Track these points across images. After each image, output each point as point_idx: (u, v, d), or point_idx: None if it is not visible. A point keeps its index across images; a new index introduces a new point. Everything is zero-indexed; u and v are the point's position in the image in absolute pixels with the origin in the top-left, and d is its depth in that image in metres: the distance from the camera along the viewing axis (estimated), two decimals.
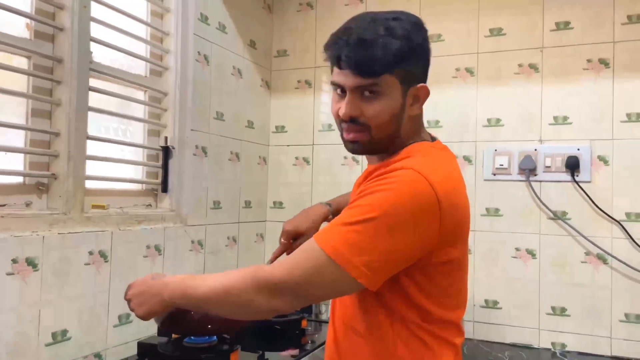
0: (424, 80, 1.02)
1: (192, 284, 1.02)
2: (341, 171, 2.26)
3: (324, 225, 1.30)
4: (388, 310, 0.98)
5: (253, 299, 0.92)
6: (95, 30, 1.56)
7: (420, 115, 1.05)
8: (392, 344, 0.98)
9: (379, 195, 0.89)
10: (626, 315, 1.84)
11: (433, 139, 1.08)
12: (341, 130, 1.02)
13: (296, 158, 2.37)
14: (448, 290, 0.99)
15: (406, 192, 0.89)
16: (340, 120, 1.00)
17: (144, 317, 1.09)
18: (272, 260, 1.37)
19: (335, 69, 0.99)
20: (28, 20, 1.42)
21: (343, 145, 1.05)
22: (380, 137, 0.99)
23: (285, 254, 1.39)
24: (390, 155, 1.01)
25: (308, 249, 0.91)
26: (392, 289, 0.95)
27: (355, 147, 1.01)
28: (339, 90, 1.00)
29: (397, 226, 0.87)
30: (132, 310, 1.11)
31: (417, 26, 0.99)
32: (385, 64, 0.93)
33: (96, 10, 1.56)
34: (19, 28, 1.41)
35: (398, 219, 0.87)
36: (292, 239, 1.41)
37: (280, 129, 2.41)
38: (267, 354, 1.63)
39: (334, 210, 1.44)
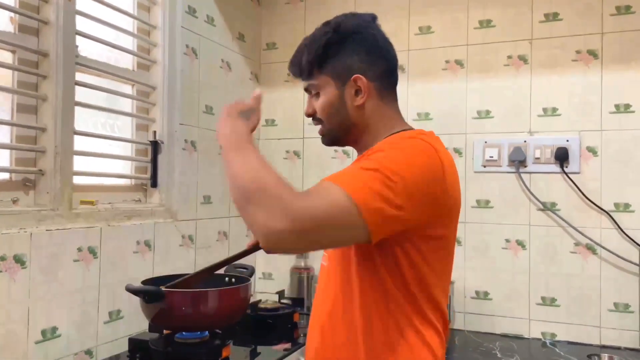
0: (372, 71, 1.06)
1: (242, 151, 0.96)
2: (332, 164, 2.26)
3: None
4: (376, 294, 0.98)
5: (265, 204, 0.84)
6: (81, 23, 1.53)
7: (389, 106, 1.09)
8: (381, 331, 0.98)
9: (395, 152, 0.93)
10: (615, 304, 1.86)
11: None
12: None
13: (287, 152, 2.36)
14: (435, 267, 1.01)
15: (420, 155, 0.94)
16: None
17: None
18: (247, 249, 1.38)
19: None
20: (12, 14, 1.40)
21: None
22: (332, 127, 1.09)
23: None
24: (372, 143, 1.06)
25: (327, 187, 0.87)
26: (385, 263, 0.97)
27: (322, 140, 1.14)
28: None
29: (411, 184, 0.90)
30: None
31: (346, 23, 1.07)
32: (310, 66, 1.07)
33: (81, 3, 1.53)
34: (3, 22, 1.38)
35: (412, 178, 0.90)
36: None
37: (270, 123, 2.40)
38: (259, 348, 1.63)
39: None
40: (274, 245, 0.84)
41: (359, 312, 1.00)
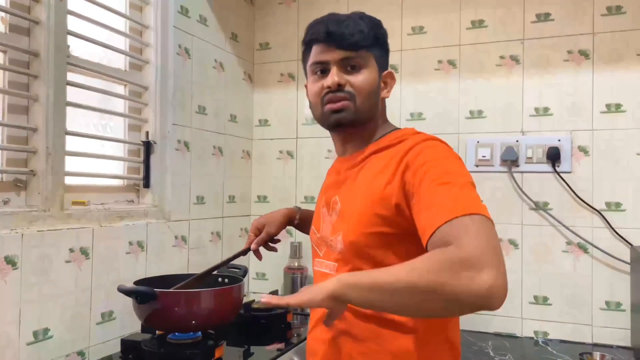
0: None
1: (371, 274, 0.85)
2: (325, 164, 2.26)
3: (284, 220, 1.40)
4: None
5: (452, 284, 0.77)
6: (73, 23, 1.53)
7: (385, 106, 1.17)
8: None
9: (436, 161, 0.96)
10: (607, 303, 1.87)
11: None
12: (322, 106, 1.09)
13: (280, 152, 2.36)
14: None
15: (446, 149, 1.02)
16: (323, 95, 1.08)
17: (299, 303, 0.90)
18: (245, 248, 1.40)
19: (316, 49, 1.10)
20: (3, 14, 1.39)
21: (323, 122, 1.13)
22: (364, 107, 1.08)
23: (253, 244, 1.38)
24: (368, 140, 1.12)
25: (460, 224, 0.83)
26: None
27: (340, 115, 1.07)
28: (319, 72, 1.10)
29: (465, 173, 0.97)
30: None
31: (381, 23, 1.14)
32: (366, 39, 1.07)
33: (73, 2, 1.53)
34: None
35: (461, 167, 0.98)
36: (257, 232, 1.41)
37: (263, 123, 2.40)
38: (253, 349, 1.62)
39: (301, 215, 1.44)
40: (501, 300, 0.79)
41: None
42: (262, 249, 1.42)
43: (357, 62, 1.07)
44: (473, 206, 0.86)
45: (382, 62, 1.13)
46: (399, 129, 1.15)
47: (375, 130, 1.13)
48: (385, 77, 1.14)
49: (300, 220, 1.43)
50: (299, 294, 0.88)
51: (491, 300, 0.77)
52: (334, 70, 1.07)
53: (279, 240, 1.46)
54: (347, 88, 1.07)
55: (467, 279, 0.76)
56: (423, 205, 0.90)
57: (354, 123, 1.09)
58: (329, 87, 1.06)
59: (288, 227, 1.45)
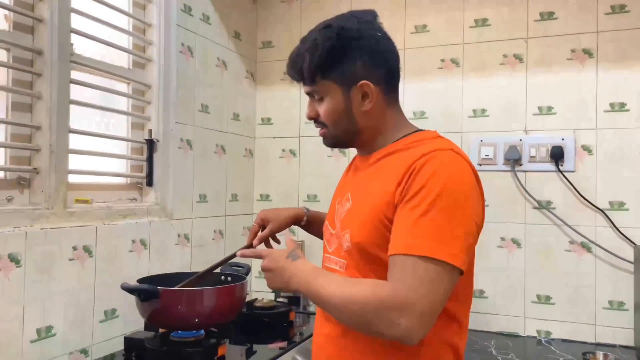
0: (377, 75, 1.06)
1: (318, 283, 1.00)
2: (328, 163, 2.26)
3: (290, 218, 1.40)
4: None
5: (374, 320, 0.90)
6: (76, 21, 1.53)
7: (393, 107, 1.10)
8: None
9: (435, 183, 0.93)
10: (610, 302, 1.87)
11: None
12: None
13: (283, 150, 2.36)
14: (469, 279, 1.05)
15: (456, 170, 0.96)
16: None
17: (274, 288, 1.11)
18: (247, 244, 1.38)
19: None
20: (6, 12, 1.39)
21: None
22: (338, 133, 1.09)
23: (255, 239, 1.38)
24: (382, 144, 1.09)
25: (405, 263, 0.90)
26: None
27: (324, 142, 1.14)
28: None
29: (464, 203, 0.94)
30: (266, 279, 1.11)
31: (348, 27, 1.04)
32: (313, 73, 1.05)
33: (76, 0, 1.53)
34: None
35: (463, 196, 0.94)
36: (261, 226, 1.40)
37: (266, 121, 2.40)
38: (255, 347, 1.63)
39: (309, 216, 1.42)
40: (415, 341, 0.90)
41: None
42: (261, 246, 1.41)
43: (317, 93, 1.08)
44: (434, 249, 0.89)
45: (348, 79, 1.04)
46: (421, 130, 1.10)
47: (383, 135, 1.09)
48: (360, 89, 1.04)
49: (308, 222, 1.42)
50: (269, 264, 1.09)
51: (405, 340, 0.89)
52: (308, 102, 1.12)
53: (279, 242, 1.44)
54: (320, 119, 1.10)
55: (388, 322, 0.88)
56: (397, 225, 0.95)
57: (340, 145, 1.14)
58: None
59: (291, 226, 1.45)
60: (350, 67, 1.04)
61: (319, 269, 1.04)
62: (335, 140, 1.12)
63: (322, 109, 1.08)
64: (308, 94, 1.11)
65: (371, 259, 1.01)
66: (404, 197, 0.95)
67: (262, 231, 1.39)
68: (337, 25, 1.04)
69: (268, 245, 1.41)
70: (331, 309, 0.98)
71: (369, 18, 1.08)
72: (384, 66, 1.06)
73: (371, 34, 1.06)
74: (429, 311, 0.88)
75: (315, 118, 1.11)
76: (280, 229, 1.40)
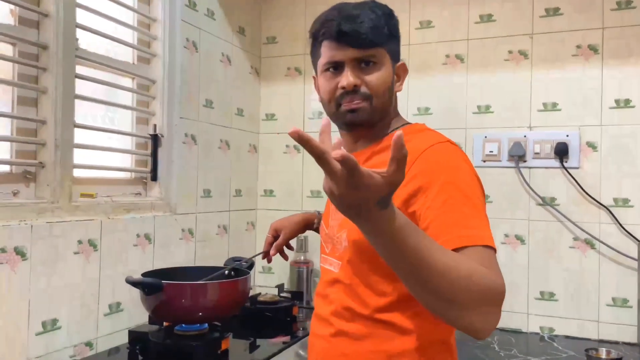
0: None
1: (426, 241, 0.77)
2: None
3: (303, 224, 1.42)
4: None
5: (483, 308, 0.81)
6: (81, 16, 1.53)
7: (396, 99, 1.13)
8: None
9: (453, 175, 0.94)
10: (613, 299, 1.87)
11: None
12: (337, 106, 1.06)
13: (287, 146, 2.36)
14: None
15: (467, 161, 0.98)
16: (339, 95, 1.04)
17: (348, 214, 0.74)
18: (264, 254, 1.40)
19: (328, 46, 1.04)
20: (12, 6, 1.40)
21: (337, 120, 1.08)
22: (379, 107, 1.05)
23: (270, 249, 1.42)
24: (378, 136, 1.08)
25: (485, 254, 0.86)
26: None
27: (356, 115, 1.04)
28: (331, 70, 1.05)
29: (482, 192, 0.97)
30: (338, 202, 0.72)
31: (392, 12, 1.10)
32: (381, 36, 1.03)
33: None
34: (3, 14, 1.38)
35: (479, 186, 0.97)
36: (275, 236, 1.44)
37: (270, 117, 2.40)
38: (258, 341, 1.64)
39: (319, 219, 1.41)
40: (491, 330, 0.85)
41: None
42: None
43: (372, 60, 1.03)
44: (489, 238, 0.89)
45: (395, 55, 1.08)
46: (409, 124, 1.12)
47: (387, 126, 1.10)
48: (398, 69, 1.09)
49: (319, 225, 1.43)
50: (339, 192, 0.68)
51: (479, 337, 0.84)
52: (348, 70, 1.02)
53: (292, 248, 1.50)
54: (363, 89, 1.03)
55: (485, 314, 0.81)
56: (438, 218, 0.88)
57: (369, 123, 1.06)
58: (343, 87, 1.02)
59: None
60: (397, 45, 1.09)
61: (408, 233, 0.75)
62: (373, 113, 1.04)
63: (374, 77, 1.03)
64: (358, 59, 1.02)
65: (367, 259, 0.99)
66: (423, 190, 0.92)
67: (276, 241, 1.42)
68: (385, 5, 1.08)
69: (283, 254, 1.45)
70: (446, 280, 0.77)
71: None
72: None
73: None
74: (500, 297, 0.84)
75: (358, 86, 1.02)
76: (293, 235, 1.43)
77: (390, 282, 0.98)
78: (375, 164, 1.01)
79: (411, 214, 0.93)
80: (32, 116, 1.44)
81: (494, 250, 0.88)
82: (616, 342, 1.83)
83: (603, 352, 1.70)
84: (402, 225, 0.73)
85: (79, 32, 1.53)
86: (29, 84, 1.44)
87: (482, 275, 0.80)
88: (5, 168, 1.40)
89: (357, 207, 0.69)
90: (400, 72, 1.10)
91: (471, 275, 0.78)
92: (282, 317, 1.88)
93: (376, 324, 1.00)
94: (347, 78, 1.02)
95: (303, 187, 2.32)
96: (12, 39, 1.39)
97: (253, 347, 1.62)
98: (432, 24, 2.13)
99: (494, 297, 0.81)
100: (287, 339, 1.70)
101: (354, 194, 0.67)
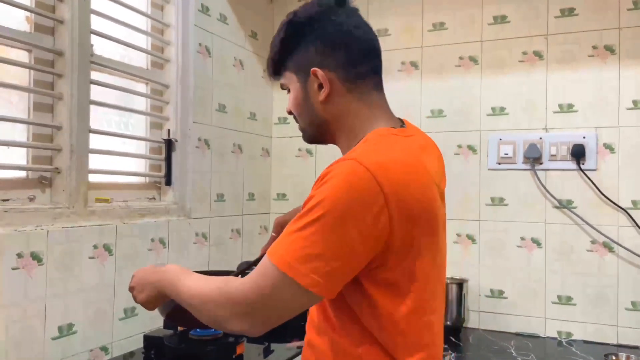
0: (333, 61, 0.96)
1: (182, 280, 0.99)
2: None
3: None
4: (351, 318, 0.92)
5: (219, 314, 0.90)
6: (96, 22, 1.54)
7: (361, 98, 0.97)
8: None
9: (319, 193, 0.85)
10: (632, 303, 1.84)
11: (401, 125, 1.01)
12: None
13: (299, 149, 2.36)
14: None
15: (344, 184, 0.83)
16: None
17: (144, 305, 1.09)
18: (261, 254, 1.37)
19: None
20: (28, 13, 1.41)
21: None
22: (304, 125, 1.04)
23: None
24: (348, 150, 0.95)
25: (263, 267, 0.85)
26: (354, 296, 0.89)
27: (302, 137, 1.08)
28: None
29: (341, 223, 0.81)
30: (134, 298, 1.11)
31: (300, 13, 0.99)
32: (275, 66, 1.02)
33: (96, 2, 1.54)
34: (19, 21, 1.40)
35: (340, 215, 0.81)
36: (280, 229, 1.39)
37: (282, 120, 2.40)
38: (273, 346, 1.63)
39: None
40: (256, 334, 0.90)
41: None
42: None
43: (284, 85, 1.04)
44: (277, 253, 0.84)
45: (302, 68, 0.98)
46: (372, 130, 0.95)
47: (351, 131, 0.98)
48: (312, 79, 0.96)
49: None
50: (134, 282, 1.14)
51: (246, 334, 0.93)
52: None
53: None
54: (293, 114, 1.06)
55: (227, 318, 0.89)
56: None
57: (315, 140, 1.06)
58: None
59: None
60: (304, 55, 0.97)
61: (187, 270, 1.03)
62: (306, 133, 1.04)
63: (289, 101, 1.03)
64: (282, 87, 1.07)
65: None
66: None
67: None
68: (292, 12, 0.99)
69: None
70: (189, 306, 0.97)
71: (330, 2, 0.98)
72: (342, 51, 0.95)
73: (327, 18, 0.96)
74: (252, 309, 0.87)
75: (290, 112, 1.05)
76: None
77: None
78: None
79: None
80: (47, 122, 1.46)
81: (277, 267, 0.82)
82: (636, 347, 1.80)
83: (623, 357, 1.67)
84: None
85: (94, 38, 1.54)
86: (45, 90, 1.45)
87: (205, 289, 0.94)
88: (22, 174, 1.41)
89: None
90: (319, 78, 0.96)
91: (199, 293, 0.95)
92: (297, 322, 1.86)
93: (334, 337, 0.97)
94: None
95: None
96: (28, 46, 1.40)
97: (267, 352, 1.61)
98: (446, 26, 2.12)
99: (214, 300, 0.91)
100: (301, 343, 1.69)
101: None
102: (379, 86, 1.00)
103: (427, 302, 0.91)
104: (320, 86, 0.96)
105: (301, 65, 0.98)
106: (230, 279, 0.93)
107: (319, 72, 0.95)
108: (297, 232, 0.84)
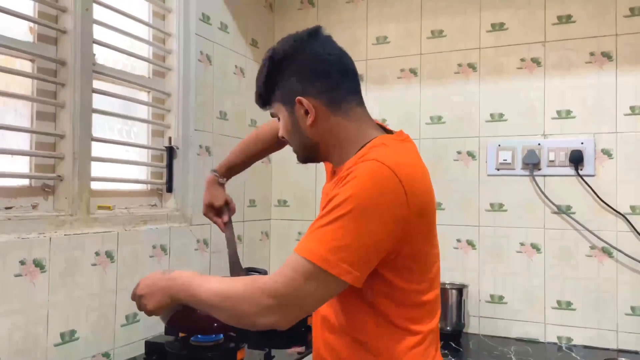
0: (315, 89, 1.05)
1: (197, 282, 1.02)
2: None
3: (216, 187, 1.50)
4: (370, 308, 1.01)
5: (249, 310, 0.94)
6: (98, 32, 1.57)
7: (347, 116, 1.06)
8: (374, 341, 1.01)
9: (344, 191, 0.93)
10: (632, 308, 1.84)
11: (390, 132, 1.11)
12: None
13: None
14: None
15: (369, 180, 0.93)
16: None
17: (153, 311, 1.10)
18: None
19: None
20: (31, 24, 1.43)
21: None
22: (297, 149, 1.13)
23: (225, 235, 1.54)
24: (345, 160, 1.06)
25: (292, 262, 0.93)
26: (372, 285, 0.98)
27: (297, 158, 1.16)
28: None
29: (367, 216, 0.91)
30: (142, 306, 1.11)
31: (278, 50, 1.08)
32: (261, 97, 1.12)
33: (98, 12, 1.57)
34: (22, 31, 1.42)
35: (366, 208, 0.91)
36: (215, 215, 1.54)
37: None
38: (274, 352, 1.64)
39: (221, 174, 1.53)
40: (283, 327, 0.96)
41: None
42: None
43: (274, 115, 1.13)
44: (307, 247, 0.92)
45: (287, 98, 1.07)
46: (375, 138, 1.05)
47: (344, 149, 1.07)
48: (300, 106, 1.05)
49: (227, 174, 1.54)
50: (143, 288, 1.12)
51: (274, 327, 0.96)
52: None
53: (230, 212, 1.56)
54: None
55: (259, 313, 0.94)
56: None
57: (308, 160, 1.15)
58: None
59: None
60: (287, 86, 1.07)
61: (195, 273, 1.06)
62: (299, 156, 1.14)
63: (281, 129, 1.13)
64: (272, 117, 1.17)
65: None
66: None
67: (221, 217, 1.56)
68: (272, 49, 1.09)
69: (225, 222, 1.57)
70: (212, 306, 1.00)
71: (303, 36, 1.07)
72: (322, 79, 1.05)
73: (303, 51, 1.06)
74: (290, 307, 0.93)
75: (282, 138, 1.15)
76: (223, 200, 1.54)
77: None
78: (337, 182, 1.02)
79: None
80: (50, 130, 1.48)
81: (308, 260, 0.90)
82: (636, 352, 1.80)
83: None
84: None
85: (96, 48, 1.56)
86: (48, 99, 1.47)
87: (233, 287, 0.97)
88: (25, 182, 1.42)
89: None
90: (304, 106, 1.05)
91: (224, 292, 0.98)
92: (298, 327, 1.87)
93: (353, 340, 1.05)
94: None
95: (317, 196, 2.33)
96: (31, 56, 1.42)
97: (268, 358, 1.62)
98: (444, 33, 2.14)
99: (245, 297, 0.94)
100: (302, 349, 1.70)
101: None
102: (360, 103, 1.09)
103: (433, 280, 1.05)
104: (307, 112, 1.06)
105: (286, 95, 1.08)
106: (257, 277, 0.98)
107: (304, 100, 1.05)
108: (325, 227, 0.92)
